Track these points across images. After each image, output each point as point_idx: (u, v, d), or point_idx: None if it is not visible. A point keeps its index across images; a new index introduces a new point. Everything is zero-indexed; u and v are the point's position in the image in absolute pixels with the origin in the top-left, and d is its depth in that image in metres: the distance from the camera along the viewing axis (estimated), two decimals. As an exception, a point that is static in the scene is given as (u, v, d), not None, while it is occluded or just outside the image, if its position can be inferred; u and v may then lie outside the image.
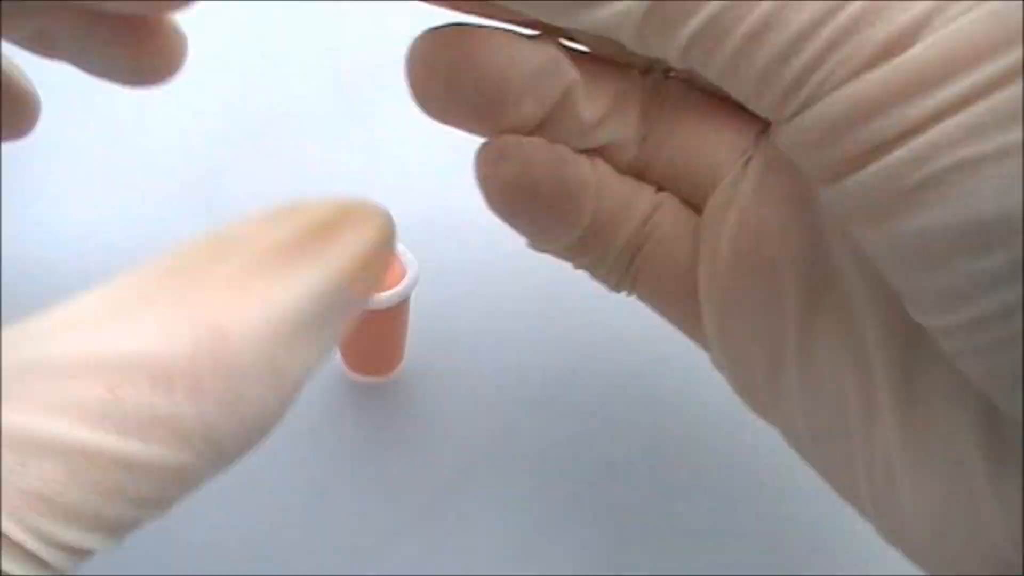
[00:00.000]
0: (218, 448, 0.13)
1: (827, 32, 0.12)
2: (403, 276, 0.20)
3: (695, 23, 0.13)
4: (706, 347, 0.18)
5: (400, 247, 0.21)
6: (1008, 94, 0.11)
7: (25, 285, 0.23)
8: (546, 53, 0.16)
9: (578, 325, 0.25)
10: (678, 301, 0.18)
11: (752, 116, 0.14)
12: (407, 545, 0.21)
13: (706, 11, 0.13)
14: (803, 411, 0.16)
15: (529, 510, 0.21)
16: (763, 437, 0.23)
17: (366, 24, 0.34)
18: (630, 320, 0.24)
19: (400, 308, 0.21)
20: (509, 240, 0.26)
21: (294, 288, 0.13)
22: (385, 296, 0.20)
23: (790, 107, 0.13)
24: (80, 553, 0.13)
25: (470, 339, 0.24)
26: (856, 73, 0.12)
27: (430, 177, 0.25)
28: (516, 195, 0.17)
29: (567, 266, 0.22)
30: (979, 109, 0.11)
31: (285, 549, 0.20)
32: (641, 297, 0.19)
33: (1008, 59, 0.11)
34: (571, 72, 0.16)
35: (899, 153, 0.12)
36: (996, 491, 0.13)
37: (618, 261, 0.18)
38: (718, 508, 0.22)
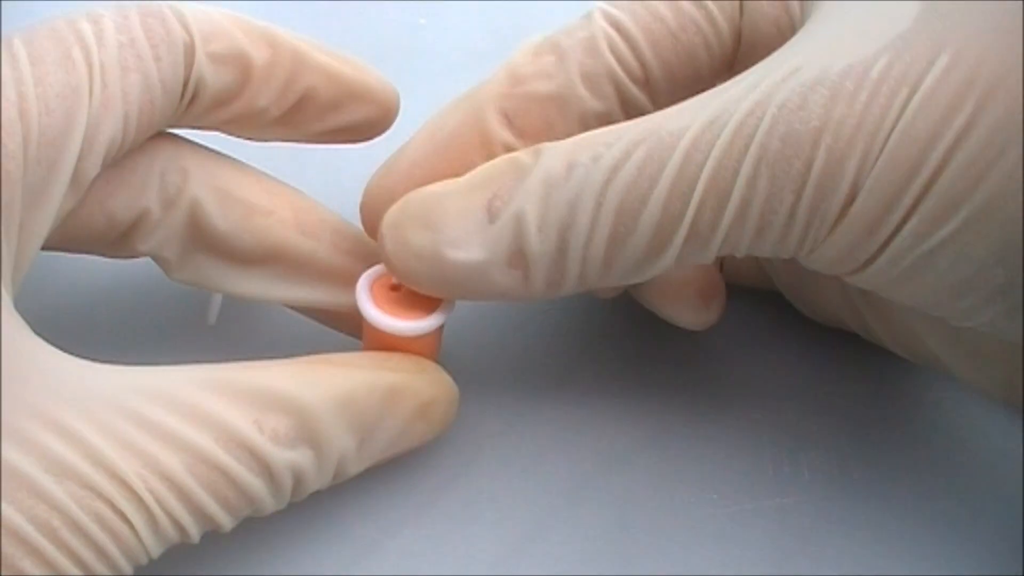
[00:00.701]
0: (296, 494, 0.18)
1: (801, 215, 0.17)
2: (435, 307, 0.20)
3: (714, 247, 0.17)
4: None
5: None
6: (924, 210, 0.16)
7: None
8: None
9: (580, 315, 0.25)
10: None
11: None
12: (409, 536, 0.21)
13: (718, 239, 0.17)
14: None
15: (531, 501, 0.21)
16: (765, 428, 0.23)
17: (367, 20, 0.34)
18: (633, 310, 0.24)
19: (432, 337, 0.20)
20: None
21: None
22: (418, 324, 0.20)
23: (801, 255, 0.18)
24: (181, 530, 0.16)
25: (473, 329, 0.24)
26: (832, 229, 0.17)
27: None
28: None
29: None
30: (910, 226, 0.16)
31: (287, 540, 0.21)
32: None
33: (915, 185, 0.16)
34: None
35: (882, 259, 0.17)
36: None
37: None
38: (720, 499, 0.22)
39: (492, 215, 0.18)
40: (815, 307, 0.24)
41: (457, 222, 0.18)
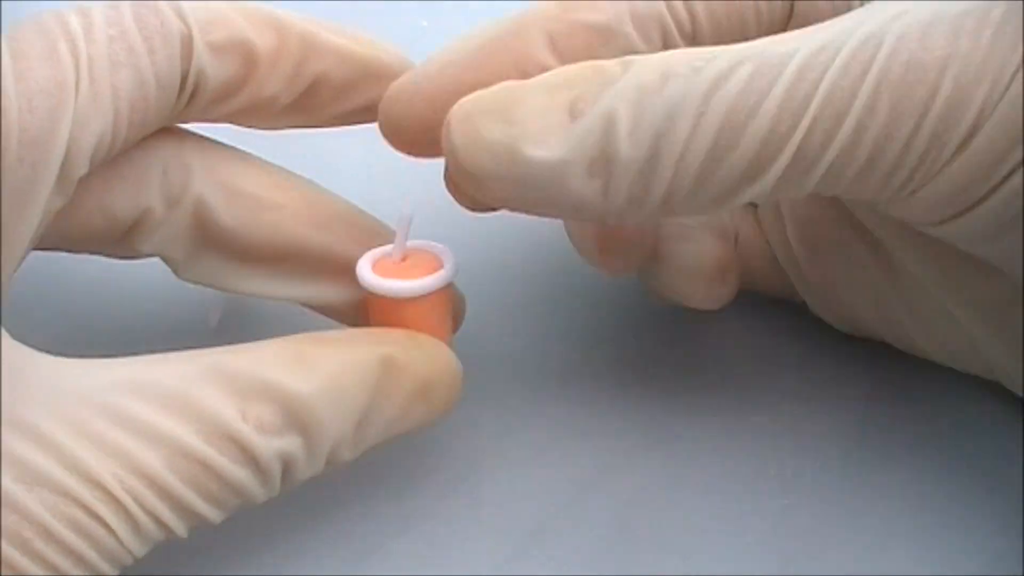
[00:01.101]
0: (287, 483, 0.17)
1: (919, 145, 0.16)
2: (437, 268, 0.19)
3: (816, 175, 0.16)
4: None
5: (433, 243, 0.20)
6: None
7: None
8: None
9: (584, 316, 0.25)
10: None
11: None
12: (412, 538, 0.21)
13: (823, 166, 0.16)
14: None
15: (534, 504, 0.21)
16: (767, 429, 0.23)
17: (368, 22, 0.34)
18: (637, 312, 0.24)
19: (432, 304, 0.19)
20: (513, 231, 0.26)
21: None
22: (412, 284, 0.19)
23: (904, 194, 0.17)
24: (164, 527, 0.16)
25: (475, 330, 0.24)
26: (948, 162, 0.16)
27: (437, 165, 0.25)
28: None
29: (575, 256, 0.22)
30: None
31: (288, 541, 0.21)
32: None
33: None
34: None
35: (991, 201, 0.16)
36: None
37: None
38: (722, 500, 0.22)
39: (575, 115, 0.17)
40: (842, 313, 0.23)
41: (538, 117, 0.17)
